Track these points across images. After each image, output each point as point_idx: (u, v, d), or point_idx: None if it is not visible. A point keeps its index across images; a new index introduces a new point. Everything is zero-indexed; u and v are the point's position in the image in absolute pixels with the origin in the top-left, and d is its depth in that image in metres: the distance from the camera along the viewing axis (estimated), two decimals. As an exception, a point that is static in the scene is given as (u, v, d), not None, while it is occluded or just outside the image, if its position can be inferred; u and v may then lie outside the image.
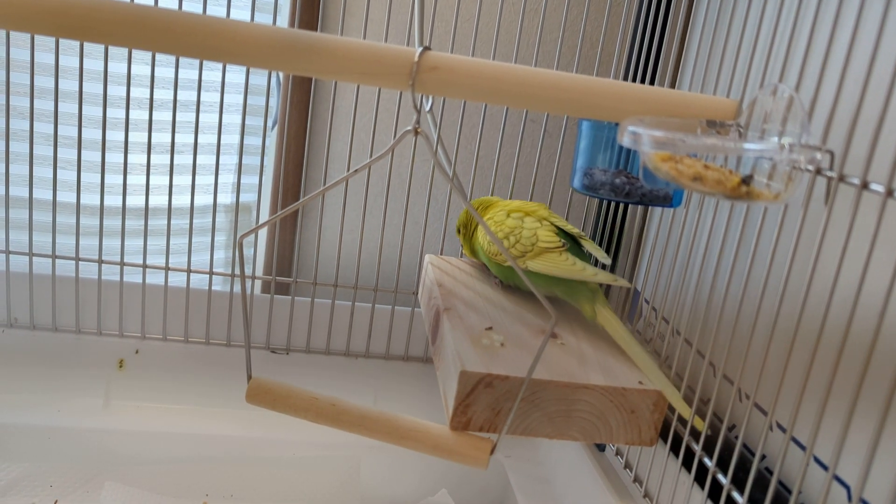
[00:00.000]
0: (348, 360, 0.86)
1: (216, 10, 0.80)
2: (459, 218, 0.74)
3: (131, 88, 0.74)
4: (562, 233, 0.67)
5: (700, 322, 0.62)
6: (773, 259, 0.51)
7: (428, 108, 0.52)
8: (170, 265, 0.79)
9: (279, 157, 0.85)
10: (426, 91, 0.47)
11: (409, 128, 0.49)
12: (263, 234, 0.88)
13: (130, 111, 0.74)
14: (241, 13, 0.83)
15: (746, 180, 0.44)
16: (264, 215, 0.86)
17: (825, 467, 0.51)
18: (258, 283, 0.87)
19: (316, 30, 0.82)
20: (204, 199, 0.87)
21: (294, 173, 0.86)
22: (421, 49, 0.46)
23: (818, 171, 0.45)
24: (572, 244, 0.66)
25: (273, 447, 0.78)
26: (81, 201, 0.77)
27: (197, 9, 0.76)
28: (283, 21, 0.83)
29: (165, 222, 0.79)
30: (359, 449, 0.79)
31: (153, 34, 0.43)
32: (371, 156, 0.80)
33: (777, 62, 0.53)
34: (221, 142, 0.77)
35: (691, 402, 0.58)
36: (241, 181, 0.88)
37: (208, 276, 0.81)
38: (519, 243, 0.65)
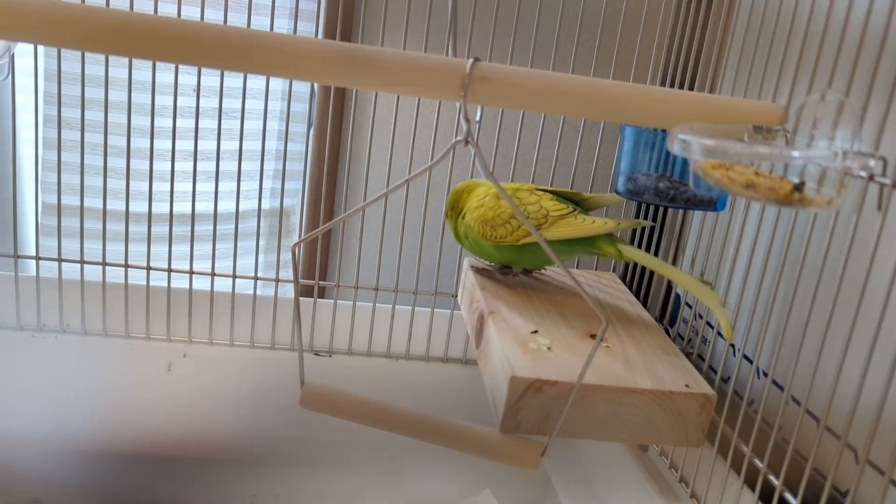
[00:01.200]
0: (389, 361, 0.87)
1: (260, 19, 0.81)
2: (448, 201, 0.72)
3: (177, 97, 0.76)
4: (560, 198, 0.68)
5: (746, 325, 0.62)
6: (824, 263, 0.51)
7: (478, 119, 0.53)
8: (215, 271, 0.81)
9: (318, 162, 0.86)
10: (477, 101, 0.47)
11: (460, 138, 0.50)
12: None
13: (176, 119, 0.76)
14: (281, 21, 0.85)
15: (799, 187, 0.44)
16: (305, 220, 0.87)
17: (882, 472, 0.51)
18: (300, 287, 0.89)
19: (353, 34, 0.83)
20: (244, 204, 0.88)
21: (331, 177, 0.88)
22: (472, 61, 0.46)
23: (871, 178, 0.45)
24: (575, 204, 0.67)
25: (318, 449, 0.80)
26: (130, 209, 0.79)
27: (242, 18, 0.78)
28: (321, 28, 0.85)
29: (208, 228, 0.81)
30: (401, 449, 0.80)
31: (212, 51, 0.44)
32: (411, 159, 0.81)
33: (825, 65, 0.53)
34: (256, 146, 0.79)
35: (738, 407, 0.58)
36: (275, 185, 0.90)
37: (253, 280, 0.82)
38: (530, 217, 0.65)
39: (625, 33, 0.80)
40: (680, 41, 0.80)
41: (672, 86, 0.80)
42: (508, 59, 0.80)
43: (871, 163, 0.42)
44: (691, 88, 0.79)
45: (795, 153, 0.42)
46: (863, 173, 0.45)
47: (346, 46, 0.46)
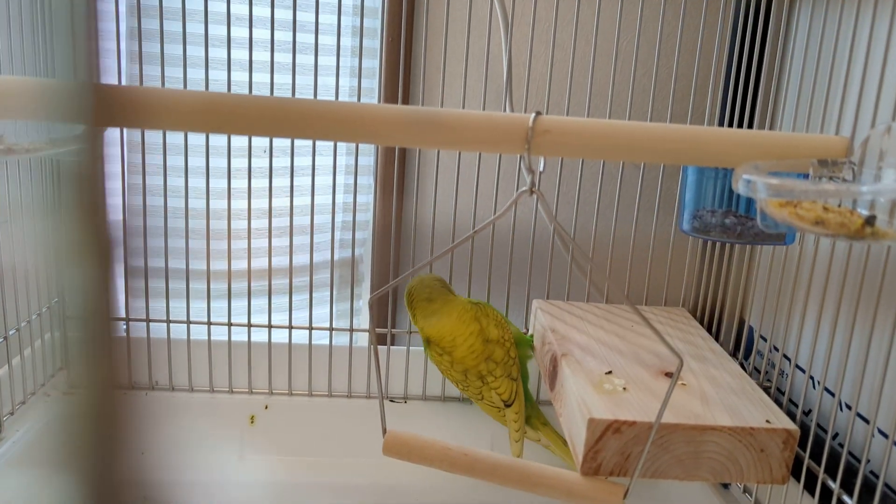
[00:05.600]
0: (464, 405, 0.88)
1: (326, 79, 0.85)
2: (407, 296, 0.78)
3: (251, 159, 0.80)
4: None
5: (825, 357, 0.61)
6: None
7: (541, 169, 0.55)
8: (292, 323, 0.84)
9: (385, 211, 0.89)
10: (541, 153, 0.49)
11: (524, 189, 0.52)
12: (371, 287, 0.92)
13: (251, 180, 0.80)
14: (345, 80, 0.89)
15: (870, 221, 0.44)
16: (374, 268, 0.90)
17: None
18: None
19: (414, 91, 0.86)
20: (316, 256, 0.92)
21: (398, 225, 0.90)
22: (534, 115, 0.48)
23: (943, 207, 0.45)
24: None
25: (399, 494, 0.81)
26: (210, 267, 0.83)
27: (309, 80, 0.82)
28: (382, 85, 0.88)
29: (283, 282, 0.84)
30: (484, 493, 0.80)
31: (294, 124, 0.47)
32: (475, 205, 0.83)
33: (889, 97, 0.53)
34: (326, 200, 0.82)
35: (823, 442, 0.57)
36: (344, 237, 0.93)
37: (328, 332, 0.85)
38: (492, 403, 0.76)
39: (680, 71, 0.81)
40: (736, 76, 0.80)
41: (731, 122, 0.80)
42: (566, 104, 0.82)
43: (943, 193, 0.42)
44: (750, 125, 0.79)
45: (863, 188, 0.42)
46: (934, 204, 0.45)
47: (414, 110, 0.48)
